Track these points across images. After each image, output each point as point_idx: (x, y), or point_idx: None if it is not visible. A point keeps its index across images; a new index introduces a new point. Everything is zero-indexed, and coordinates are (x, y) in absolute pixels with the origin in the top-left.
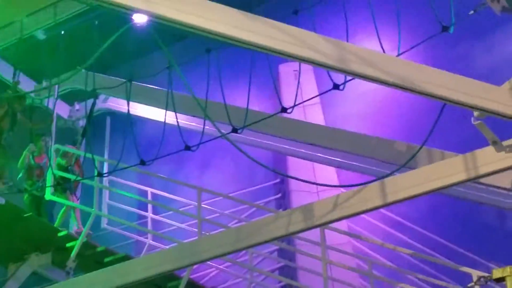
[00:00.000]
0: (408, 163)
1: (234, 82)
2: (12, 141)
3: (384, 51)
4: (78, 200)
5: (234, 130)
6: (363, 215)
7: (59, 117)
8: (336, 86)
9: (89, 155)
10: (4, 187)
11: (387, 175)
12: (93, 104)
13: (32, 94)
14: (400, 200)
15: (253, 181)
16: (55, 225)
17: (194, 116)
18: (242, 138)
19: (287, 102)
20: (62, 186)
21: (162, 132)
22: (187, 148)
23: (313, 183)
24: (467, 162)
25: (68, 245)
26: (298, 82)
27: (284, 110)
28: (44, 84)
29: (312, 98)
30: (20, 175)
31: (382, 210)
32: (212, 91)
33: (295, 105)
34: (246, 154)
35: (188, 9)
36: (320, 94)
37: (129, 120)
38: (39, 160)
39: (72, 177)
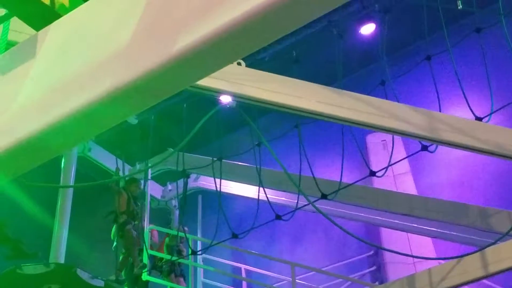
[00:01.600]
0: (510, 231)
1: (320, 155)
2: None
3: (475, 117)
4: (185, 282)
5: (324, 196)
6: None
7: (152, 198)
8: (424, 148)
9: (182, 235)
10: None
11: (490, 244)
12: (185, 184)
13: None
14: (503, 270)
15: (346, 254)
16: None
17: (281, 191)
18: (333, 210)
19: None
20: (168, 267)
21: (251, 209)
22: (278, 217)
23: (410, 256)
24: None
25: None
26: (392, 148)
27: (373, 173)
28: (137, 167)
29: (401, 160)
30: (114, 245)
31: (484, 280)
32: (297, 166)
33: (384, 168)
34: (337, 225)
35: (271, 87)
36: (409, 156)
37: (220, 198)
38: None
39: (167, 257)
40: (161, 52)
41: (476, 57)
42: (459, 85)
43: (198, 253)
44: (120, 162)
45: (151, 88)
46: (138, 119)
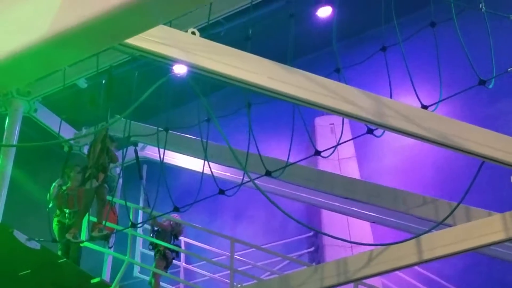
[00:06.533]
0: (445, 220)
1: (269, 135)
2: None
3: (422, 105)
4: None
5: (268, 173)
6: (397, 272)
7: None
8: (370, 131)
9: (122, 202)
10: (98, 234)
11: (424, 232)
12: (135, 152)
13: (72, 142)
14: (436, 258)
15: (286, 234)
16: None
17: (228, 166)
18: (277, 189)
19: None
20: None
21: (197, 182)
22: (221, 192)
23: (347, 241)
24: (506, 222)
25: None
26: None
27: (318, 153)
28: (84, 131)
29: (348, 140)
30: (50, 205)
31: (416, 267)
32: (246, 143)
33: (330, 148)
34: (275, 204)
35: (225, 60)
36: (355, 138)
37: (163, 168)
38: (71, 190)
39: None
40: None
41: (433, 48)
42: (408, 72)
43: (139, 225)
44: (65, 125)
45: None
46: (88, 84)
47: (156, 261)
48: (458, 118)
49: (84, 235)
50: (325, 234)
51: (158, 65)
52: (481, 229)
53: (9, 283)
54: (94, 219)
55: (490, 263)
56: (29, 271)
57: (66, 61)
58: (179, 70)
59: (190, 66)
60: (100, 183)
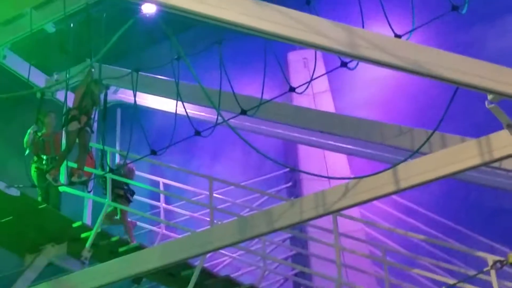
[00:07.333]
0: (421, 149)
1: (242, 73)
2: None
3: (395, 34)
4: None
5: (243, 112)
6: (375, 202)
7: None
8: (344, 64)
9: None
10: (78, 180)
11: (401, 162)
12: (105, 95)
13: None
14: (413, 185)
15: (264, 170)
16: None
17: (203, 106)
18: (252, 127)
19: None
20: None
21: (172, 123)
22: (197, 133)
23: (323, 176)
24: (481, 146)
25: (83, 235)
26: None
27: (292, 89)
28: (55, 77)
29: (322, 75)
30: (27, 152)
31: (394, 196)
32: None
33: (304, 84)
34: (249, 143)
35: None
36: (328, 72)
37: (136, 111)
38: (47, 137)
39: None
40: None
41: None
42: (380, 1)
43: (115, 170)
44: (35, 71)
45: None
46: (56, 28)
47: (122, 202)
48: (433, 46)
49: (62, 179)
50: (302, 172)
51: (126, 6)
52: (457, 155)
53: None
54: (73, 164)
55: (466, 189)
56: (11, 217)
57: None
58: (148, 9)
59: (159, 4)
60: (82, 126)
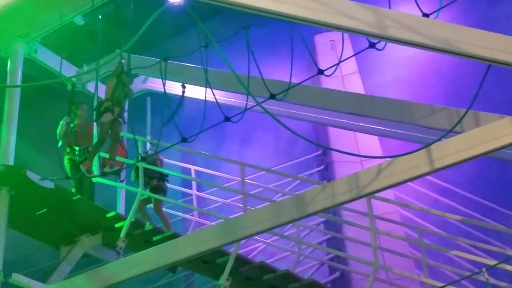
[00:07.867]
0: (454, 128)
1: (269, 58)
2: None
3: (422, 13)
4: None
5: (272, 96)
6: (409, 183)
7: (100, 99)
8: (372, 45)
9: (131, 136)
10: (110, 170)
11: (434, 142)
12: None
13: (74, 79)
14: (447, 165)
15: (295, 155)
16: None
17: (232, 92)
18: (282, 111)
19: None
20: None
21: (201, 110)
22: (227, 119)
23: (357, 155)
24: None
25: (117, 225)
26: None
27: (321, 72)
28: (85, 69)
29: (350, 57)
30: (60, 144)
31: (428, 177)
32: (246, 68)
33: (332, 66)
34: (283, 124)
35: None
36: (357, 53)
37: (166, 99)
38: (79, 128)
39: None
40: None
41: None
42: None
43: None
44: (66, 64)
45: None
46: (85, 20)
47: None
48: (460, 24)
49: (95, 170)
50: (335, 150)
51: None
52: (491, 133)
53: (28, 223)
54: (105, 155)
55: (501, 167)
56: (46, 210)
57: None
58: None
59: None
60: (115, 117)
